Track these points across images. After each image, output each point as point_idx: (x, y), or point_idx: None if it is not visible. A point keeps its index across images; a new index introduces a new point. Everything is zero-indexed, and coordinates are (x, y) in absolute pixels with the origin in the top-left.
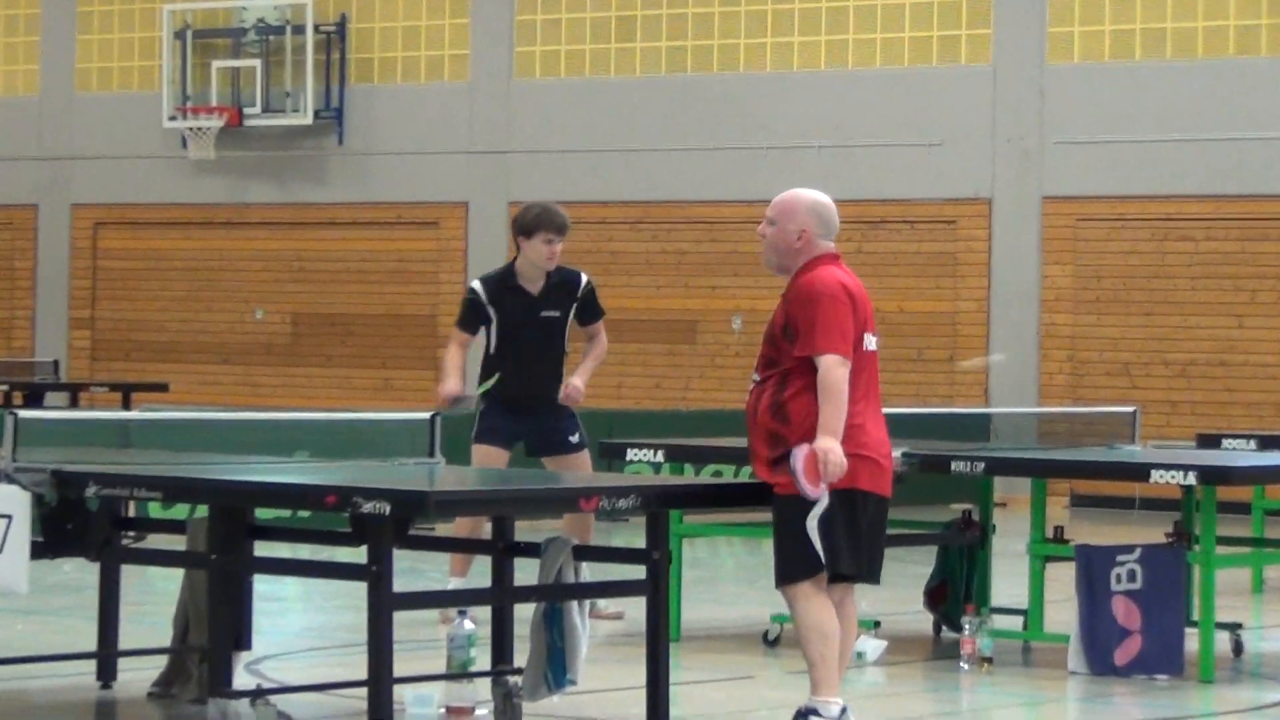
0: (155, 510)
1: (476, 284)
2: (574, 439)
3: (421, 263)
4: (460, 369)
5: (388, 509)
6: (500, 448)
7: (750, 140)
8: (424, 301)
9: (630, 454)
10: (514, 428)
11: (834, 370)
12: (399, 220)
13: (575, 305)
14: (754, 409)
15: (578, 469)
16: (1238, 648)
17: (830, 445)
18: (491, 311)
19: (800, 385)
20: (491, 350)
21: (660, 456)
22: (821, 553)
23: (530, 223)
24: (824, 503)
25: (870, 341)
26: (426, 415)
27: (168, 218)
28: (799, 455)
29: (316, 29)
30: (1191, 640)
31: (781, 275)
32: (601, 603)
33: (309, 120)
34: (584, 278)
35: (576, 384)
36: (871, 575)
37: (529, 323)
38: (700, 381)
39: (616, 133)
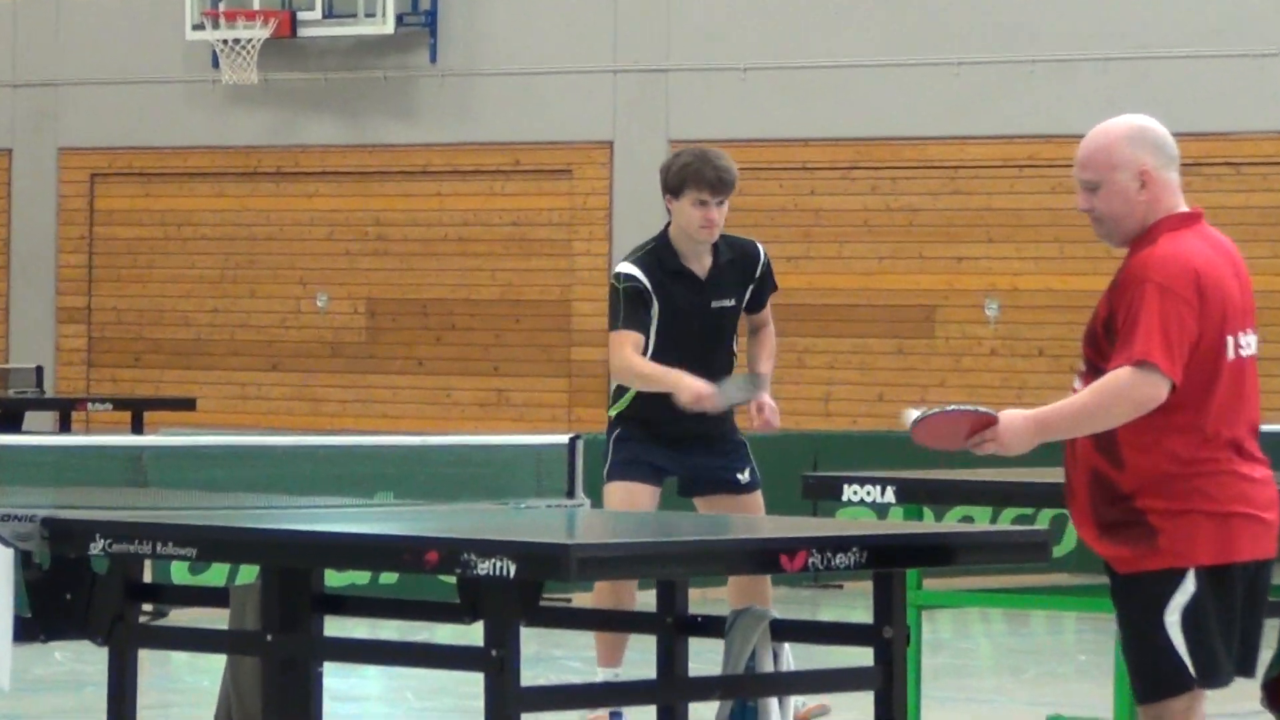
0: (183, 574)
1: (631, 267)
2: (743, 477)
3: (549, 226)
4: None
5: (512, 570)
6: (648, 484)
7: (1007, 53)
8: (552, 280)
9: (847, 492)
10: (662, 460)
11: (1137, 387)
12: (516, 168)
13: (752, 288)
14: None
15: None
16: None
17: (1016, 432)
18: (656, 303)
19: None
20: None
21: (890, 495)
22: (1189, 660)
23: (675, 177)
24: (1188, 587)
25: (1240, 345)
26: (564, 439)
27: (192, 167)
28: (933, 417)
29: None
30: None
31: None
32: (801, 699)
33: (390, 29)
34: (761, 249)
35: (771, 404)
36: (1247, 668)
37: (697, 317)
38: (941, 390)
39: (818, 44)
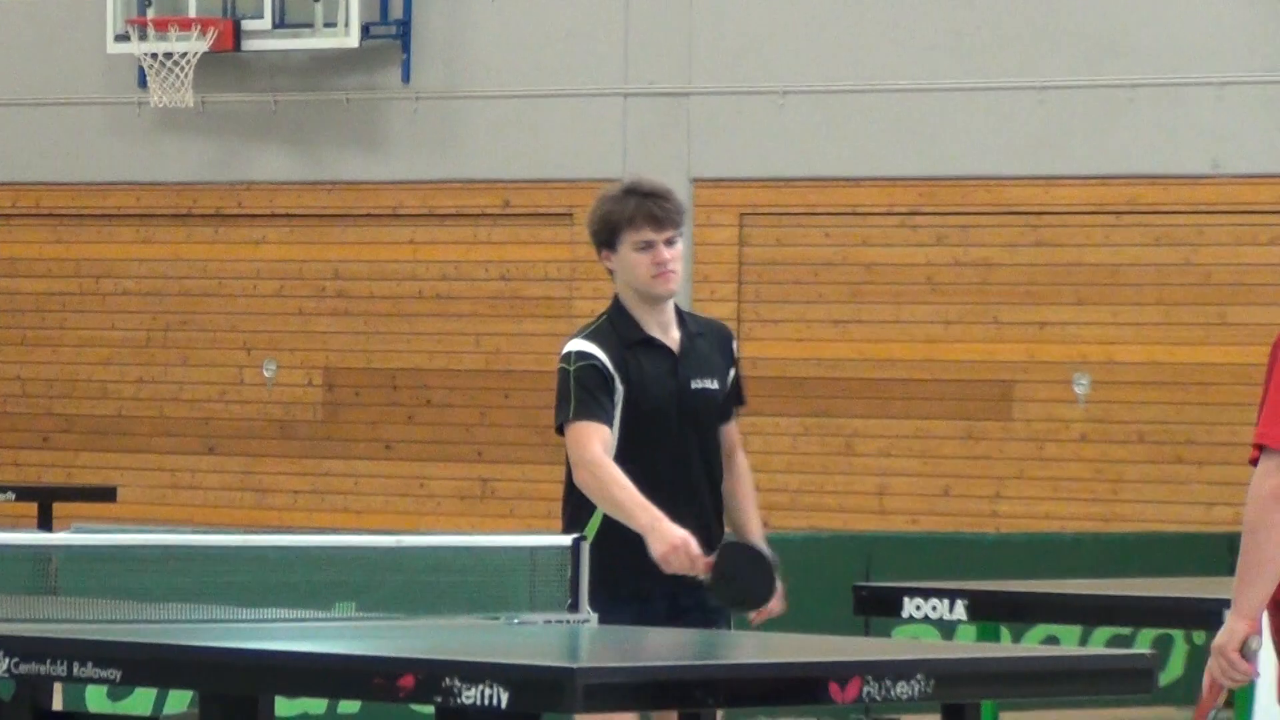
0: (101, 701)
1: (583, 343)
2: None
3: (546, 281)
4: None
5: (504, 698)
6: None
7: (1102, 75)
8: (549, 347)
9: (908, 606)
10: (646, 605)
11: (1263, 483)
12: (506, 211)
13: (732, 374)
14: None
15: None
16: None
17: (1228, 639)
18: (619, 385)
19: None
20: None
21: (960, 610)
22: None
23: (603, 223)
24: None
25: None
26: (565, 540)
27: (114, 207)
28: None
29: None
30: None
31: None
32: None
33: (354, 42)
34: (731, 331)
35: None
36: None
37: (675, 403)
38: (1019, 484)
39: (872, 64)
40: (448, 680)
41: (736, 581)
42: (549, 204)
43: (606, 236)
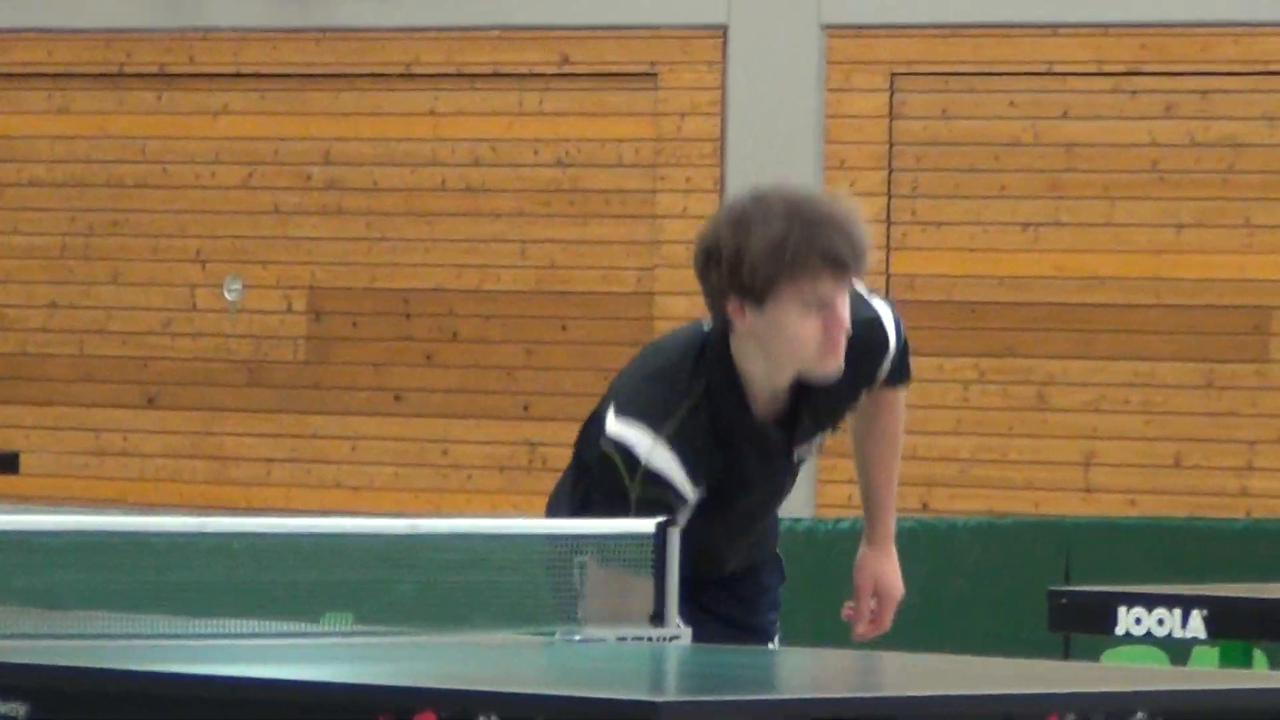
0: None
1: (656, 445)
2: (753, 617)
3: (619, 168)
4: None
5: None
6: None
7: None
8: (622, 258)
9: (1124, 619)
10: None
11: None
12: (564, 70)
13: (863, 394)
14: None
15: None
16: None
17: None
18: (693, 496)
19: None
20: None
21: (1196, 625)
22: None
23: (765, 263)
24: None
25: None
26: (646, 525)
27: (18, 64)
28: None
29: None
30: None
31: None
32: None
33: None
34: (891, 333)
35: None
36: None
37: (759, 486)
38: (1278, 449)
39: None
40: (482, 717)
41: None
42: (623, 61)
43: (764, 281)
